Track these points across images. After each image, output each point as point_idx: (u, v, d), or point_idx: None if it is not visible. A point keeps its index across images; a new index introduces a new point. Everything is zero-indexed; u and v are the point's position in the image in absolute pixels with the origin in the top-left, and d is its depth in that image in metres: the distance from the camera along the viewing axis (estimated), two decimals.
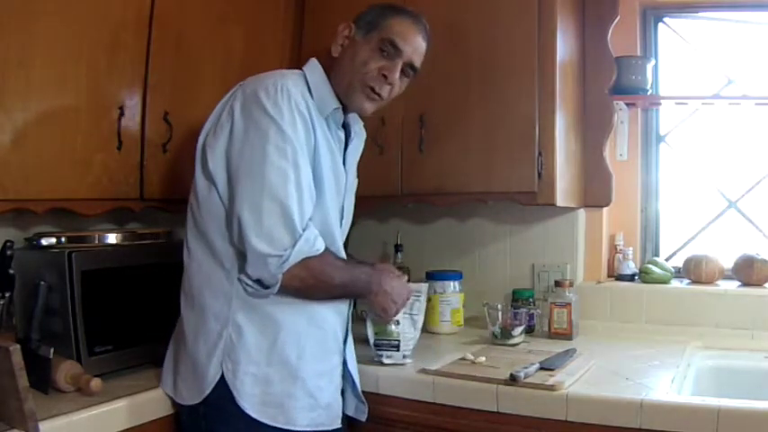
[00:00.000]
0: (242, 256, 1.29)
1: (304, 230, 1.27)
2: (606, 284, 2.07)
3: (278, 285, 1.26)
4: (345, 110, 1.44)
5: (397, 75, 1.40)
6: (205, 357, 1.32)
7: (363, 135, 1.57)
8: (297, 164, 1.27)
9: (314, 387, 1.36)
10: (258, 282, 1.28)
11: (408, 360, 1.62)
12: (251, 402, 1.30)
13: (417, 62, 1.44)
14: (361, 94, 1.40)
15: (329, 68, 1.42)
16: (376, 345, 1.62)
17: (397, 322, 1.60)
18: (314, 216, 1.32)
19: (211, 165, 1.31)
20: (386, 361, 1.61)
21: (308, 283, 1.29)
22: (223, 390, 1.30)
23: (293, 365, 1.34)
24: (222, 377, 1.30)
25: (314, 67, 1.42)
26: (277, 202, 1.24)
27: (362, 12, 1.45)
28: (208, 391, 1.31)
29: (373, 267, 1.49)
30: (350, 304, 1.50)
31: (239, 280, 1.30)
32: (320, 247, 1.30)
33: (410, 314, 1.61)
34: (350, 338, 1.51)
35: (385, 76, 1.39)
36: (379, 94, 1.41)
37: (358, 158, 1.56)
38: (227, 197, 1.30)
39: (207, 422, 1.33)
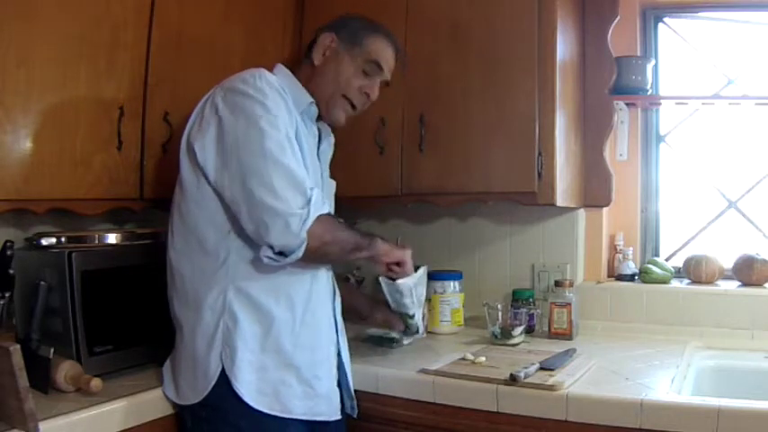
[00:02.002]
0: (238, 244, 1.32)
1: (313, 189, 1.30)
2: (606, 284, 2.07)
3: (304, 246, 1.27)
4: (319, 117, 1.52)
5: (377, 92, 1.52)
6: (205, 352, 1.33)
7: (332, 139, 1.62)
8: (289, 136, 1.32)
9: (311, 376, 1.38)
10: (281, 253, 1.29)
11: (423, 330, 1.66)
12: (248, 389, 1.31)
13: (390, 78, 1.56)
14: (341, 107, 1.50)
15: (306, 75, 1.50)
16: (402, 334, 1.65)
17: (413, 315, 1.60)
18: None
19: (200, 157, 1.32)
20: (406, 342, 1.65)
21: (325, 240, 1.31)
22: (224, 386, 1.31)
23: (288, 354, 1.35)
24: (222, 371, 1.31)
25: (281, 70, 1.49)
26: (282, 167, 1.28)
27: (340, 21, 1.53)
28: (210, 387, 1.31)
29: None
30: (333, 296, 1.50)
31: (261, 258, 1.29)
32: (327, 206, 1.34)
33: (418, 299, 1.60)
34: (341, 329, 1.52)
35: (367, 95, 1.51)
36: (355, 108, 1.52)
37: (329, 160, 1.60)
38: (221, 183, 1.31)
39: (209, 424, 1.33)
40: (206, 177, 1.33)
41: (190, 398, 1.35)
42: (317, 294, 1.42)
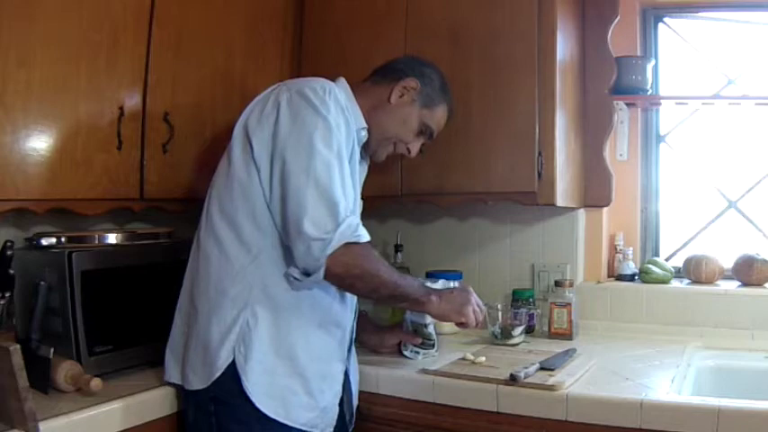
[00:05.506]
0: (273, 243, 1.33)
1: (347, 216, 1.28)
2: (606, 284, 2.07)
3: (322, 270, 1.26)
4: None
5: (416, 153, 1.61)
6: (218, 341, 1.32)
7: (368, 162, 1.63)
8: (341, 156, 1.32)
9: (316, 388, 1.37)
10: (304, 272, 1.29)
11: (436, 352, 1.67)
12: (257, 392, 1.31)
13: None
14: (388, 149, 1.58)
15: (371, 102, 1.52)
16: (415, 346, 1.66)
17: (428, 325, 1.63)
18: None
19: (257, 151, 1.33)
20: (420, 358, 1.64)
21: (352, 272, 1.29)
22: (233, 379, 1.30)
23: (300, 363, 1.35)
24: (233, 363, 1.30)
25: (343, 85, 1.49)
26: (322, 187, 1.27)
27: (426, 70, 1.58)
28: (217, 375, 1.30)
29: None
30: (355, 314, 1.50)
31: (286, 275, 1.30)
32: (363, 234, 1.30)
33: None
34: (353, 349, 1.53)
35: (409, 150, 1.59)
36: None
37: (362, 183, 1.61)
38: (268, 184, 1.32)
39: (217, 419, 1.33)
40: (258, 173, 1.33)
41: (194, 384, 1.34)
42: (339, 308, 1.42)
